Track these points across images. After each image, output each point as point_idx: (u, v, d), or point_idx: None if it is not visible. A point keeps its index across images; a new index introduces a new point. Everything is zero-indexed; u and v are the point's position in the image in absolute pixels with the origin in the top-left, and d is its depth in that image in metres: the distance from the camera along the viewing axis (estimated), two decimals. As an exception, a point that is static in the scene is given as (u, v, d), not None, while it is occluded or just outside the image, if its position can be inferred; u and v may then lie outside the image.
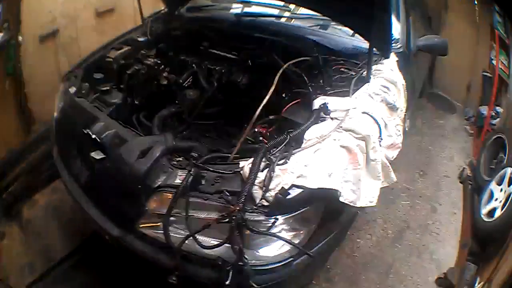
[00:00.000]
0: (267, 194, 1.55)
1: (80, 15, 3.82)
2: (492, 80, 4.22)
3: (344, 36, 2.66)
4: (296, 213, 1.63)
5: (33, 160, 3.25)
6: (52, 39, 3.63)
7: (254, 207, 1.56)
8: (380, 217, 3.06)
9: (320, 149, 1.67)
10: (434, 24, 4.34)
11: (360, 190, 1.75)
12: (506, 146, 3.50)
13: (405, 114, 2.33)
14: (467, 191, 3.42)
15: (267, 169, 1.58)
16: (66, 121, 2.40)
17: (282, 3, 2.95)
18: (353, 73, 2.20)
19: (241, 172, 1.62)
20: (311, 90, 2.10)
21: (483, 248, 2.81)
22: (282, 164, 1.61)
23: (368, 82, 2.11)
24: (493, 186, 3.18)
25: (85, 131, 2.05)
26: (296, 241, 1.68)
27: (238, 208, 1.46)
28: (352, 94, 2.01)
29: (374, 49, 2.20)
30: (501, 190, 3.08)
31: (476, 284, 2.42)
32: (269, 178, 1.56)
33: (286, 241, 1.62)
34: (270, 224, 1.58)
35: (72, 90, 2.50)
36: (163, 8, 3.33)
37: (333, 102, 1.89)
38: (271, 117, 2.11)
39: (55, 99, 2.63)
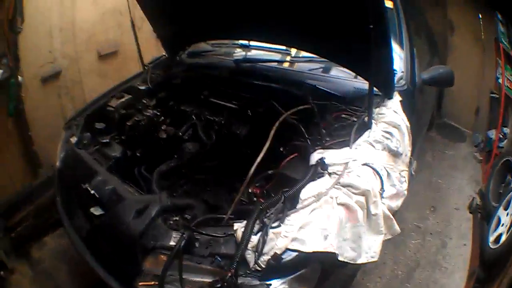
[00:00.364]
0: (261, 259, 1.51)
1: (82, 57, 3.81)
2: (498, 101, 4.06)
3: (347, 78, 2.57)
4: (292, 276, 1.58)
5: (41, 204, 3.26)
6: (55, 81, 3.62)
7: (248, 271, 1.53)
8: (390, 258, 2.96)
9: (317, 209, 1.62)
10: (440, 48, 4.26)
11: (361, 247, 1.69)
12: None
13: (410, 158, 2.22)
14: (476, 220, 3.37)
15: (260, 232, 1.55)
16: (67, 172, 2.41)
17: (283, 47, 2.92)
18: (355, 119, 2.13)
19: (235, 235, 1.60)
20: (309, 143, 2.04)
21: (487, 273, 2.80)
22: (276, 226, 1.57)
23: (370, 128, 2.03)
24: (500, 212, 3.13)
25: (84, 186, 2.06)
26: None
27: (230, 274, 1.43)
28: (353, 144, 1.93)
29: (375, 90, 2.12)
30: (507, 214, 3.03)
31: None
32: (262, 242, 1.52)
33: None
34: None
35: (74, 140, 2.51)
36: (163, 54, 3.32)
37: (330, 155, 1.84)
38: (269, 172, 2.05)
39: (58, 146, 2.63)
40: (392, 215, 1.88)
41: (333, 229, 1.59)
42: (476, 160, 4.22)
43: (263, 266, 1.51)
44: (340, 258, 1.61)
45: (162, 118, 2.69)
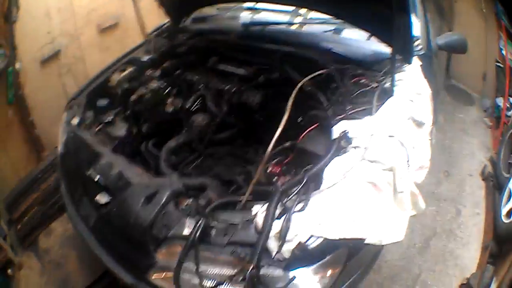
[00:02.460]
0: (284, 248, 1.32)
1: (82, 33, 3.52)
2: (504, 71, 3.94)
3: (360, 40, 2.33)
4: (317, 263, 1.41)
5: (46, 189, 3.04)
6: (55, 61, 3.34)
7: (270, 261, 1.34)
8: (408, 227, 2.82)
9: (343, 189, 1.40)
10: (447, 14, 4.03)
11: (387, 228, 1.49)
12: None
13: (431, 127, 2.01)
14: (489, 189, 3.22)
15: (283, 217, 1.35)
16: (70, 156, 2.15)
17: (292, 8, 2.64)
18: (375, 85, 1.88)
19: (254, 220, 1.40)
20: (329, 113, 1.79)
21: (500, 248, 2.67)
22: (300, 210, 1.37)
23: (392, 95, 1.80)
24: (511, 185, 2.98)
25: (88, 173, 1.84)
26: (320, 287, 1.44)
27: (252, 267, 1.27)
28: (375, 112, 1.69)
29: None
30: None
31: (492, 284, 2.36)
32: (285, 228, 1.32)
33: None
34: (288, 281, 1.35)
35: (75, 121, 2.26)
36: (166, 21, 3.00)
37: (354, 127, 1.59)
38: (286, 144, 1.77)
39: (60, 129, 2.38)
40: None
41: (361, 211, 1.39)
42: (486, 125, 4.05)
43: (287, 256, 1.33)
44: (366, 241, 1.41)
45: (168, 89, 2.43)
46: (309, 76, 1.93)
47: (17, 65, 3.03)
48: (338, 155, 1.52)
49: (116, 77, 2.50)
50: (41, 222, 2.96)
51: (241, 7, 2.96)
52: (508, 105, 3.87)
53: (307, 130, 1.73)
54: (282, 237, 1.32)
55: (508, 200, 2.89)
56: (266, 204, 1.40)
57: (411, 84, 1.89)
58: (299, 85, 1.86)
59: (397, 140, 1.58)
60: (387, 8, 1.72)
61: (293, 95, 1.79)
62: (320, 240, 1.34)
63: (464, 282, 2.40)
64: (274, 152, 1.72)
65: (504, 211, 2.84)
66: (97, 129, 2.19)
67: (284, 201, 1.41)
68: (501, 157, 3.40)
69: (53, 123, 3.28)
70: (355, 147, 1.54)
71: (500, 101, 4.01)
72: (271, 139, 1.68)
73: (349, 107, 1.77)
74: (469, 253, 2.67)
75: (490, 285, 2.36)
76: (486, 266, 2.50)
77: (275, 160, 1.76)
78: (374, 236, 1.43)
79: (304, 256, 1.34)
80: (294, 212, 1.36)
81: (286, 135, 1.72)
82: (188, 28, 2.92)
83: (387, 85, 1.85)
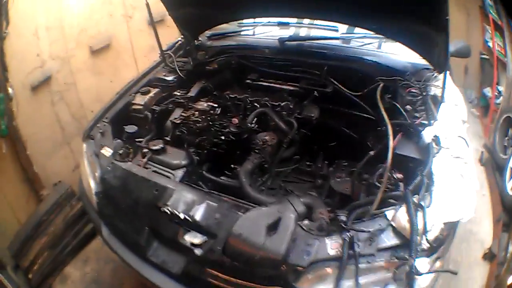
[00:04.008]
0: (428, 238, 1.42)
1: (73, 55, 3.21)
2: (491, 62, 4.19)
3: (395, 53, 2.41)
4: (444, 246, 1.51)
5: (54, 232, 2.71)
6: (46, 87, 2.99)
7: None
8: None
9: (448, 182, 1.55)
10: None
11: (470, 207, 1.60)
12: None
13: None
14: (489, 172, 3.47)
15: (418, 213, 1.43)
16: (116, 194, 1.90)
17: (326, 24, 2.62)
18: (423, 93, 2.02)
19: (392, 223, 1.44)
20: (411, 120, 1.84)
21: (511, 217, 2.98)
22: (429, 206, 1.47)
23: (443, 102, 1.93)
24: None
25: (164, 209, 1.63)
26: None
27: (411, 261, 1.34)
28: (438, 117, 1.83)
29: (427, 63, 2.14)
30: None
31: (510, 246, 2.65)
32: (424, 223, 1.41)
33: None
34: (431, 266, 1.46)
35: (107, 152, 2.02)
36: (178, 38, 2.80)
37: (439, 130, 1.74)
38: (371, 153, 1.85)
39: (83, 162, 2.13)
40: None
41: (467, 198, 1.54)
42: (474, 116, 4.24)
43: (432, 243, 1.42)
44: (463, 220, 1.55)
45: (218, 110, 2.26)
46: (380, 85, 2.06)
47: (10, 91, 2.65)
48: (434, 156, 1.65)
49: (141, 100, 2.31)
50: (53, 268, 2.66)
51: (270, 23, 2.86)
52: (496, 94, 4.11)
53: (396, 138, 1.75)
54: (424, 231, 1.40)
55: (511, 177, 3.25)
56: (399, 208, 1.45)
57: (450, 90, 2.04)
58: (379, 88, 2.02)
59: (463, 139, 1.79)
60: (430, 28, 1.87)
61: (380, 104, 1.89)
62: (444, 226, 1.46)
63: (486, 252, 2.71)
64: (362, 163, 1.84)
65: (509, 186, 3.20)
66: (145, 159, 1.95)
67: (416, 202, 1.46)
68: (496, 141, 3.73)
69: (48, 157, 2.96)
70: (443, 148, 1.70)
71: (487, 91, 4.27)
72: (329, 153, 2.16)
73: (417, 115, 1.89)
74: (484, 229, 2.94)
75: (508, 247, 2.66)
76: (501, 234, 2.82)
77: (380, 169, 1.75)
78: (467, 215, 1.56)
79: (439, 242, 1.46)
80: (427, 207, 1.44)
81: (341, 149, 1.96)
82: (208, 46, 2.77)
83: (435, 93, 2.03)
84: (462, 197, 1.53)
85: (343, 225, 1.43)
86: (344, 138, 2.38)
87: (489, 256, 2.69)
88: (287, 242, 1.39)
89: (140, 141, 2.12)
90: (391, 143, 1.67)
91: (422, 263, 1.39)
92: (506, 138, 3.73)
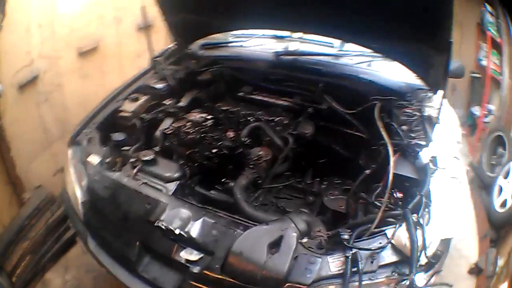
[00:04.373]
0: (427, 254, 1.45)
1: (61, 56, 3.13)
2: (482, 80, 4.23)
3: (389, 71, 2.41)
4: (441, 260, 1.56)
5: (36, 237, 2.63)
6: (33, 87, 2.91)
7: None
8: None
9: (445, 201, 1.59)
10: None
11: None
12: (505, 142, 3.69)
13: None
14: (474, 190, 3.52)
15: (417, 231, 1.46)
16: (104, 205, 1.83)
17: (323, 40, 2.60)
18: (418, 114, 2.02)
19: (392, 241, 1.46)
20: (407, 140, 1.83)
21: (498, 233, 3.10)
22: (427, 224, 1.51)
23: (438, 123, 1.96)
24: (500, 181, 3.45)
25: (158, 224, 1.58)
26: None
27: (411, 277, 1.38)
28: (433, 138, 1.85)
29: (422, 84, 2.17)
30: (508, 182, 3.37)
31: (499, 262, 2.71)
32: (423, 240, 1.44)
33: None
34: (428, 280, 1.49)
35: (94, 160, 1.95)
36: (169, 45, 2.73)
37: (435, 151, 1.78)
38: (367, 172, 1.86)
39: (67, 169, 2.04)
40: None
41: (459, 216, 1.64)
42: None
43: (431, 260, 1.47)
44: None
45: (211, 122, 2.21)
46: (377, 104, 2.05)
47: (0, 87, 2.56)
48: (432, 176, 1.67)
49: (129, 107, 2.23)
50: (35, 273, 2.59)
51: (265, 35, 2.82)
52: (486, 112, 4.15)
53: (394, 158, 1.74)
54: (423, 248, 1.43)
55: (500, 193, 3.38)
56: (398, 226, 1.47)
57: (445, 112, 2.07)
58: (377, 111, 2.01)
59: (459, 160, 1.87)
60: (430, 48, 1.88)
61: (379, 124, 1.91)
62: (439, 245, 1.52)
63: (473, 267, 2.79)
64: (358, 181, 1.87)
65: (497, 203, 3.33)
66: (135, 170, 1.87)
67: (415, 220, 1.48)
68: (483, 160, 3.80)
69: (31, 160, 2.88)
70: (439, 168, 1.73)
71: (476, 109, 4.32)
72: (319, 169, 2.24)
73: (413, 135, 1.88)
74: (468, 245, 2.99)
75: (497, 262, 2.73)
76: (489, 250, 2.89)
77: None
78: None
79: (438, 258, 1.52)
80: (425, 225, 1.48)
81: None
82: (201, 55, 2.71)
83: (430, 113, 2.03)
84: (457, 215, 1.60)
85: (346, 244, 1.43)
86: (335, 155, 2.37)
87: (475, 270, 2.77)
88: (289, 261, 1.38)
89: (127, 150, 2.03)
90: (392, 163, 1.67)
91: (420, 278, 1.44)
92: (495, 156, 3.81)
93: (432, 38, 1.82)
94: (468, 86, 4.35)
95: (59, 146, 3.04)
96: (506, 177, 3.42)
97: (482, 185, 3.59)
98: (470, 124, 4.30)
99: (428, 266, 1.48)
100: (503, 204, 3.27)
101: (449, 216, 1.56)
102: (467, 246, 2.95)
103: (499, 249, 2.87)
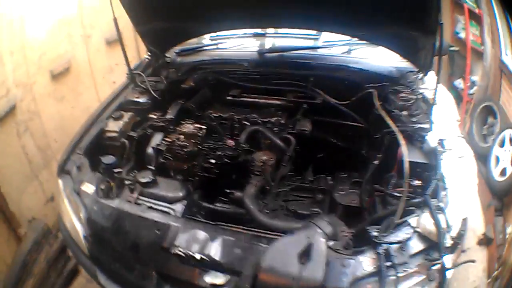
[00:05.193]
0: (452, 237, 1.47)
1: (35, 81, 3.00)
2: (461, 53, 4.24)
3: (377, 57, 2.41)
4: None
5: (39, 272, 2.55)
6: (12, 117, 2.77)
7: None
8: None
9: (458, 182, 1.62)
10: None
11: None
12: (495, 112, 3.71)
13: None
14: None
15: (440, 216, 1.48)
16: (109, 236, 1.72)
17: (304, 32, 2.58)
18: (413, 97, 2.02)
19: (418, 229, 1.47)
20: (411, 126, 1.84)
21: (502, 202, 3.17)
22: (446, 206, 1.53)
23: (435, 104, 1.94)
24: (496, 150, 3.51)
25: (175, 251, 1.49)
26: None
27: (442, 261, 1.40)
28: (434, 121, 1.86)
29: (411, 66, 2.17)
30: (505, 151, 3.43)
31: (507, 229, 2.79)
32: (447, 223, 1.47)
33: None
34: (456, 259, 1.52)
35: (89, 188, 1.84)
36: (145, 56, 2.64)
37: (441, 135, 1.81)
38: (375, 162, 1.88)
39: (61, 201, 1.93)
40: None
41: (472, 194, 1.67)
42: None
43: (456, 241, 1.48)
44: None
45: (204, 131, 2.14)
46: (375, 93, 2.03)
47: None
48: (441, 159, 1.70)
49: (114, 126, 2.12)
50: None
51: (245, 34, 2.75)
52: (469, 84, 4.18)
53: (402, 145, 1.73)
54: (448, 230, 1.46)
55: (497, 162, 3.45)
56: (422, 214, 1.49)
57: (440, 92, 2.07)
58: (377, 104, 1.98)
59: (462, 138, 1.91)
60: (419, 32, 1.89)
61: (382, 112, 1.90)
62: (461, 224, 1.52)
63: (481, 238, 2.84)
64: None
65: (496, 172, 3.40)
66: (135, 194, 1.79)
67: (436, 206, 1.50)
68: (473, 131, 3.87)
69: (20, 193, 2.77)
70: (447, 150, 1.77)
71: (459, 82, 4.35)
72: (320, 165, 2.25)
73: (414, 120, 1.89)
74: (472, 217, 3.00)
75: (505, 229, 2.79)
76: (495, 219, 2.97)
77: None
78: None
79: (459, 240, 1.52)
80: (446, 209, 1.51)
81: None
82: (179, 62, 2.63)
83: (425, 95, 2.05)
84: (471, 193, 1.64)
85: (377, 241, 1.41)
86: (336, 149, 2.36)
87: (485, 241, 2.81)
88: (323, 268, 1.34)
89: (119, 173, 1.91)
90: (405, 151, 1.66)
91: (448, 259, 1.45)
92: (485, 126, 3.86)
93: (420, 20, 1.80)
94: (447, 61, 4.36)
95: (45, 175, 2.96)
96: (502, 145, 3.47)
97: (476, 156, 3.63)
98: (454, 97, 4.33)
99: (453, 247, 1.49)
100: (503, 172, 3.33)
101: (465, 196, 1.58)
102: (471, 218, 2.95)
103: (506, 217, 2.94)
